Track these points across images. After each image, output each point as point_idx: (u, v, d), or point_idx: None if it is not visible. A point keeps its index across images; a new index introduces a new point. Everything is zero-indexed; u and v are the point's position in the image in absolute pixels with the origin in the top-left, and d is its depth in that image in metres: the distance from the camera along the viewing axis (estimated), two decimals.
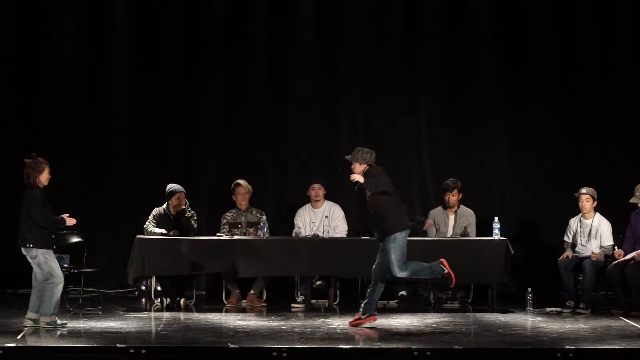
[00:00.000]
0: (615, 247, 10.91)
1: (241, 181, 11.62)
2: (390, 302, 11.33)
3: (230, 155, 12.69)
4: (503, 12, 12.71)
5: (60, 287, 9.33)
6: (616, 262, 10.70)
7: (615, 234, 11.05)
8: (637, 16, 12.64)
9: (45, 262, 9.28)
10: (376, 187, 9.50)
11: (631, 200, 10.85)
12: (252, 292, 11.17)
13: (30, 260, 9.36)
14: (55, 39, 12.67)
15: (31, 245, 9.28)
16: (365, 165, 9.63)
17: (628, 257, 10.68)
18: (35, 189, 9.32)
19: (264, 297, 11.36)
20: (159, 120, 12.75)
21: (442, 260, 9.58)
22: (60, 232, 10.79)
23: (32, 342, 8.75)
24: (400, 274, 9.53)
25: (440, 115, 12.77)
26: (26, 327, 9.30)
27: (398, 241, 9.48)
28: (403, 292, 11.35)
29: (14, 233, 9.50)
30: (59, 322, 9.37)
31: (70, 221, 9.54)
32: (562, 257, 11.00)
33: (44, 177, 9.39)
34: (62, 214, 9.57)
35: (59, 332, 9.14)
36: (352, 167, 9.72)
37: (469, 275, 10.58)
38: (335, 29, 12.80)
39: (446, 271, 9.53)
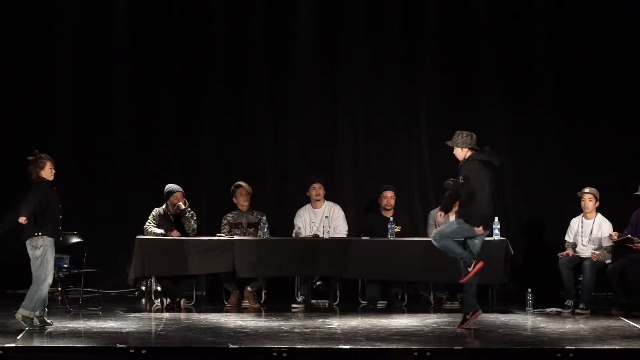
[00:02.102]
0: (613, 233, 10.87)
1: (242, 182, 11.62)
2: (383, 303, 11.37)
3: (230, 155, 12.69)
4: (503, 12, 12.71)
5: (44, 286, 9.28)
6: (614, 240, 10.69)
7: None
8: (637, 16, 12.64)
9: (42, 255, 9.25)
10: (469, 186, 9.42)
11: (635, 193, 10.85)
12: (249, 289, 11.17)
13: (30, 253, 9.34)
14: (56, 39, 12.67)
15: (39, 233, 9.26)
16: (467, 149, 9.54)
17: (626, 236, 10.66)
18: (39, 184, 9.33)
19: (263, 298, 11.35)
20: (159, 120, 12.75)
21: (481, 262, 9.47)
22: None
23: (32, 342, 8.74)
24: (434, 239, 9.54)
25: (440, 115, 12.77)
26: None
27: (463, 225, 9.43)
28: (396, 290, 11.36)
29: (14, 233, 9.49)
30: (36, 321, 9.32)
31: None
32: (562, 253, 11.00)
33: (47, 172, 9.40)
34: (62, 214, 9.57)
35: (47, 330, 9.16)
36: (454, 152, 9.66)
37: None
38: (335, 29, 12.79)
39: (471, 269, 9.43)
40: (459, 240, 9.55)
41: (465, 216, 9.45)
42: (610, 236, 10.80)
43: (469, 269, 9.40)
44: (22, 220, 9.25)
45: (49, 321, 9.49)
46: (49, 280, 9.34)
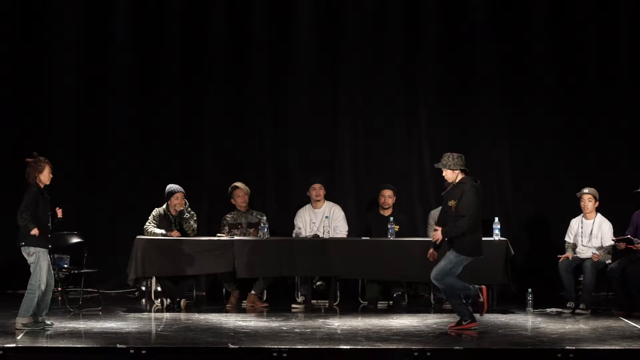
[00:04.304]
0: (614, 237, 10.88)
1: (238, 183, 11.63)
2: (388, 302, 11.38)
3: (230, 155, 12.69)
4: (503, 12, 12.71)
5: (38, 293, 9.25)
6: (615, 239, 10.72)
7: (616, 234, 11.04)
8: (637, 16, 12.64)
9: (35, 262, 9.26)
10: (474, 212, 9.27)
11: (636, 190, 10.85)
12: (252, 292, 11.16)
13: (27, 258, 9.36)
14: (55, 38, 12.66)
15: (23, 244, 9.28)
16: (458, 171, 9.42)
17: (626, 237, 10.67)
18: (32, 187, 9.32)
19: (264, 298, 11.36)
20: (159, 120, 12.75)
21: (483, 287, 9.42)
22: (60, 232, 10.81)
23: (32, 342, 8.74)
24: (435, 280, 9.39)
25: (440, 115, 12.77)
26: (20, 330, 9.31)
27: (460, 257, 9.30)
28: (399, 292, 11.37)
29: (14, 233, 9.50)
30: (40, 321, 9.31)
31: (58, 212, 9.52)
32: (562, 257, 11.00)
33: (45, 176, 9.39)
34: (51, 221, 9.57)
35: (39, 332, 9.13)
36: (443, 174, 9.55)
37: (470, 275, 10.56)
38: (335, 29, 12.79)
39: (481, 299, 9.38)
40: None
41: (458, 248, 9.30)
42: (618, 245, 10.78)
43: (481, 300, 9.35)
44: (35, 231, 9.26)
45: (49, 322, 9.47)
46: (42, 287, 9.29)
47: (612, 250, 10.93)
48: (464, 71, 12.74)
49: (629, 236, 10.73)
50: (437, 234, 9.48)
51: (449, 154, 9.52)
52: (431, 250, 9.58)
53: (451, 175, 9.46)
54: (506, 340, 9.02)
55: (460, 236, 9.30)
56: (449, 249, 9.40)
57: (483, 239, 10.80)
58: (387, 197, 11.67)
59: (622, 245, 10.73)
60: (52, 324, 9.48)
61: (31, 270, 9.33)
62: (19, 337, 8.86)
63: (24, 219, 9.27)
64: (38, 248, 9.27)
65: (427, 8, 12.73)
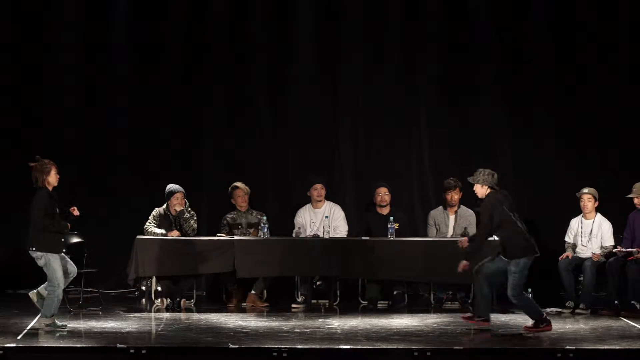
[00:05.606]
0: (618, 247, 10.90)
1: (238, 183, 11.63)
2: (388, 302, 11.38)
3: (230, 155, 12.69)
4: (503, 13, 12.71)
5: (59, 292, 9.30)
6: (617, 250, 10.72)
7: (616, 234, 11.07)
8: (637, 16, 12.64)
9: (46, 265, 9.27)
10: (488, 222, 9.40)
11: (628, 196, 10.85)
12: (252, 292, 11.16)
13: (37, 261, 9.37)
14: (56, 39, 12.66)
15: (34, 249, 9.27)
16: (487, 187, 9.52)
17: (628, 250, 10.69)
18: (41, 190, 9.31)
19: (264, 298, 11.36)
20: (159, 120, 12.75)
21: (550, 326, 9.40)
22: (68, 233, 10.80)
23: (32, 342, 8.73)
24: (513, 300, 9.43)
25: (440, 115, 12.77)
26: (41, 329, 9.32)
27: (518, 266, 9.37)
28: (398, 291, 11.38)
29: (14, 234, 9.50)
30: (58, 323, 9.36)
31: (74, 212, 9.53)
32: (562, 256, 11.01)
33: (52, 178, 9.37)
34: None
35: (58, 333, 9.12)
36: (474, 188, 9.65)
37: (470, 275, 10.56)
38: (335, 29, 12.80)
39: (540, 328, 9.33)
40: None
41: (510, 255, 9.40)
42: (619, 251, 10.82)
43: (540, 328, 9.31)
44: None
45: (60, 323, 9.46)
46: (61, 287, 9.33)
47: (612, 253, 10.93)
48: (464, 71, 12.74)
49: (629, 249, 10.73)
50: (463, 242, 9.66)
51: (481, 169, 9.62)
52: (464, 263, 9.52)
53: (480, 190, 9.58)
54: (506, 340, 9.03)
55: (507, 245, 9.42)
56: (507, 262, 9.45)
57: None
58: (383, 194, 11.67)
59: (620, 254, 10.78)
60: (66, 325, 9.48)
61: (46, 272, 9.34)
62: (19, 337, 8.86)
63: (46, 225, 9.23)
64: (49, 253, 9.26)
65: (427, 8, 12.74)
